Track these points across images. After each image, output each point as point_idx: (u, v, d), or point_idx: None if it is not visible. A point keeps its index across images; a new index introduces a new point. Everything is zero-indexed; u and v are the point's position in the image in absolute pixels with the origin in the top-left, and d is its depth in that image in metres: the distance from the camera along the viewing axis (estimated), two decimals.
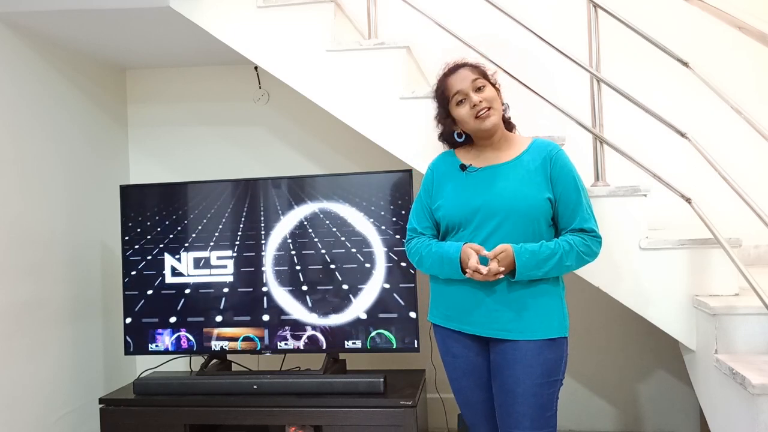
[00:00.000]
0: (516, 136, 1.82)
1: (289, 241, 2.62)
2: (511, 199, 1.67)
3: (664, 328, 2.04)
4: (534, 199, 1.67)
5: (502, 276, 1.61)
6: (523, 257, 1.61)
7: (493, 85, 1.76)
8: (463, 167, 1.77)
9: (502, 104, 1.79)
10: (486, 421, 1.77)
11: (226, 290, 2.67)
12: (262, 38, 2.40)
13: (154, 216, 2.72)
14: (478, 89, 1.71)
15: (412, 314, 2.51)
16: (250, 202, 2.66)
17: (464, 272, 1.64)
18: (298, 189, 2.63)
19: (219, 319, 2.66)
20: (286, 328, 2.61)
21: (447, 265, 1.68)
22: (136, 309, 2.72)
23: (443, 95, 1.77)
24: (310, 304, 2.59)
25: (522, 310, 1.65)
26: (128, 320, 2.72)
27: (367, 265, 2.55)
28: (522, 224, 1.66)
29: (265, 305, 2.63)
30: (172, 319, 2.69)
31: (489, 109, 1.69)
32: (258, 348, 2.64)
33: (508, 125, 1.83)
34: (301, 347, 2.60)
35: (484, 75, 1.75)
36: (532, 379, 1.63)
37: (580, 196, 1.70)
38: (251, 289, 2.64)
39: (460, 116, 1.74)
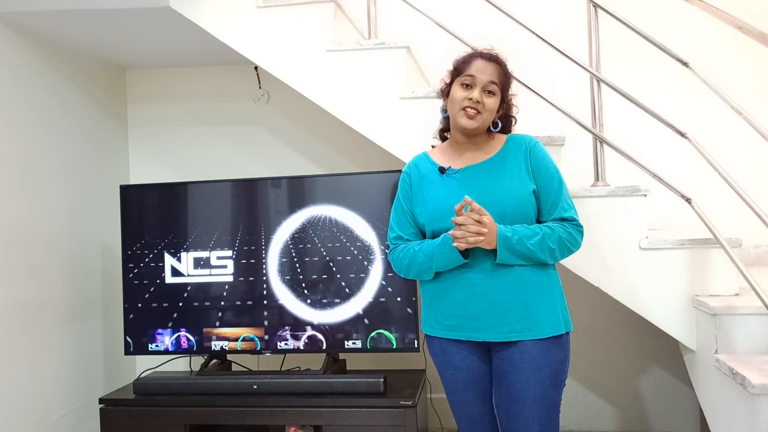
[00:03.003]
0: (494, 134, 1.77)
1: (289, 241, 2.62)
2: (498, 197, 1.64)
3: (664, 328, 2.04)
4: (521, 194, 1.65)
5: (485, 230, 1.54)
6: (506, 231, 1.58)
7: (503, 99, 1.71)
8: (442, 170, 1.72)
9: (513, 117, 1.77)
10: None
11: (226, 290, 2.67)
12: (262, 38, 2.40)
13: (154, 216, 2.72)
14: (486, 92, 1.66)
15: (412, 314, 2.51)
16: (249, 202, 2.66)
17: (463, 255, 1.60)
18: (297, 189, 2.63)
19: (219, 319, 2.66)
20: (286, 328, 2.62)
21: (439, 248, 1.62)
22: (136, 309, 2.72)
23: (459, 68, 1.71)
24: (309, 304, 2.59)
25: (529, 308, 1.62)
26: (128, 320, 2.72)
27: (367, 265, 2.55)
28: (512, 221, 1.63)
29: (265, 305, 2.63)
30: (172, 319, 2.69)
31: (477, 113, 1.66)
32: (258, 348, 2.64)
33: (504, 130, 1.79)
34: (301, 347, 2.60)
35: (503, 85, 1.69)
36: (541, 382, 1.61)
37: (561, 187, 1.69)
38: (251, 289, 2.64)
39: (453, 95, 1.69)
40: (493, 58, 1.70)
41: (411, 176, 1.79)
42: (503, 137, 1.76)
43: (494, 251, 1.60)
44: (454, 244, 1.58)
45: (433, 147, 1.86)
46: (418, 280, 1.77)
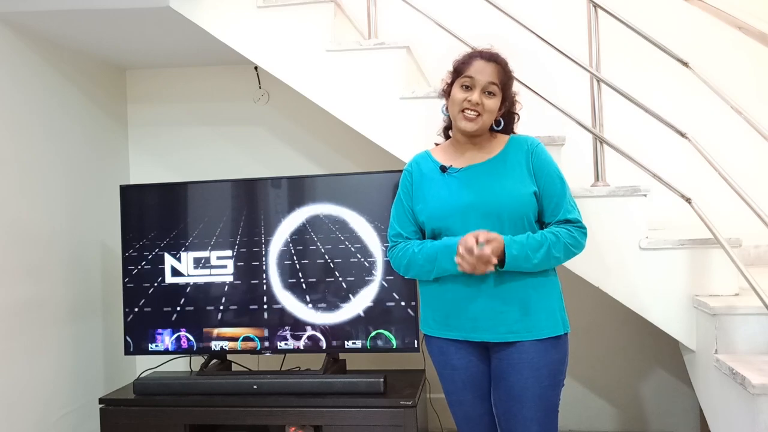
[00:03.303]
0: (496, 134, 1.77)
1: (289, 240, 2.62)
2: (498, 197, 1.64)
3: (664, 328, 2.04)
4: (521, 195, 1.65)
5: (492, 267, 1.54)
6: (513, 249, 1.57)
7: (505, 98, 1.70)
8: (443, 169, 1.72)
9: (516, 114, 1.77)
10: None
11: (226, 290, 2.67)
12: (262, 38, 2.40)
13: (154, 216, 2.72)
14: (486, 92, 1.65)
15: (412, 314, 2.51)
16: (249, 202, 2.66)
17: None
18: (297, 189, 2.63)
19: (219, 319, 2.66)
20: (286, 328, 2.61)
21: (441, 254, 1.62)
22: (136, 309, 2.72)
23: (459, 68, 1.70)
24: (309, 304, 2.59)
25: (526, 309, 1.63)
26: (128, 320, 2.72)
27: (367, 265, 2.55)
28: (511, 221, 1.63)
29: (265, 305, 2.63)
30: (172, 319, 2.69)
31: (478, 115, 1.65)
32: (258, 348, 2.64)
33: (503, 130, 1.79)
34: (301, 347, 2.60)
35: (503, 86, 1.68)
36: (539, 382, 1.61)
37: (564, 188, 1.69)
38: (251, 289, 2.64)
39: (453, 96, 1.68)
40: (492, 58, 1.68)
41: (412, 174, 1.79)
42: (505, 138, 1.76)
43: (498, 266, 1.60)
44: (461, 270, 1.57)
45: (436, 145, 1.86)
46: (416, 279, 1.78)
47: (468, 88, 1.66)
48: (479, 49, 1.73)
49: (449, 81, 1.74)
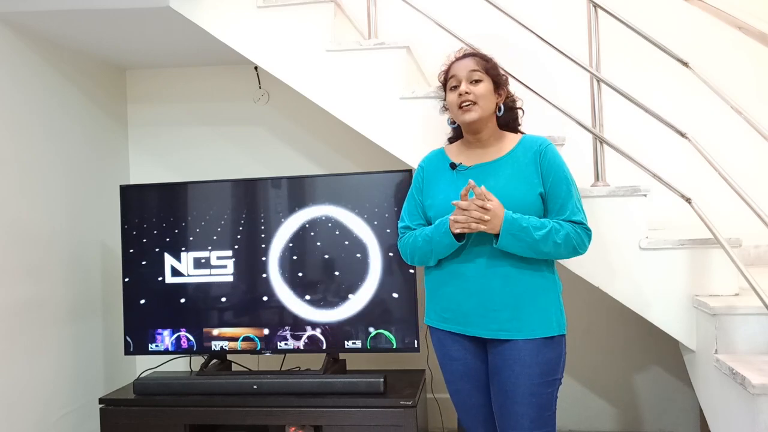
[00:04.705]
0: (506, 134, 1.80)
1: (289, 241, 2.62)
2: (503, 197, 1.65)
3: (664, 328, 2.04)
4: (526, 195, 1.67)
5: (486, 218, 1.57)
6: (513, 216, 1.59)
7: (497, 82, 1.74)
8: (453, 166, 1.76)
9: (516, 108, 1.81)
10: (484, 425, 1.76)
11: (226, 290, 2.67)
12: (262, 38, 2.40)
13: (154, 216, 2.72)
14: (473, 81, 1.71)
15: (412, 314, 2.51)
16: (249, 202, 2.66)
17: (457, 238, 1.63)
18: (297, 189, 2.63)
19: (219, 319, 2.67)
20: (286, 328, 2.61)
21: (436, 231, 1.66)
22: (136, 309, 2.71)
23: (444, 78, 1.80)
24: (309, 304, 2.59)
25: (520, 309, 1.64)
26: (128, 320, 2.72)
27: (367, 265, 2.55)
28: None
29: (265, 305, 2.63)
30: (172, 319, 2.69)
31: (474, 103, 1.69)
32: (258, 348, 2.64)
33: (510, 127, 1.82)
34: (301, 347, 2.60)
35: (485, 69, 1.73)
36: (530, 379, 1.62)
37: (571, 189, 1.69)
38: (251, 289, 2.64)
39: (449, 101, 1.78)
40: (467, 54, 1.78)
41: (425, 169, 1.84)
42: (517, 137, 1.79)
43: (496, 239, 1.62)
44: (452, 228, 1.61)
45: (451, 143, 1.90)
46: (423, 266, 1.82)
47: (456, 87, 1.74)
48: (455, 55, 1.82)
49: (444, 94, 1.83)
